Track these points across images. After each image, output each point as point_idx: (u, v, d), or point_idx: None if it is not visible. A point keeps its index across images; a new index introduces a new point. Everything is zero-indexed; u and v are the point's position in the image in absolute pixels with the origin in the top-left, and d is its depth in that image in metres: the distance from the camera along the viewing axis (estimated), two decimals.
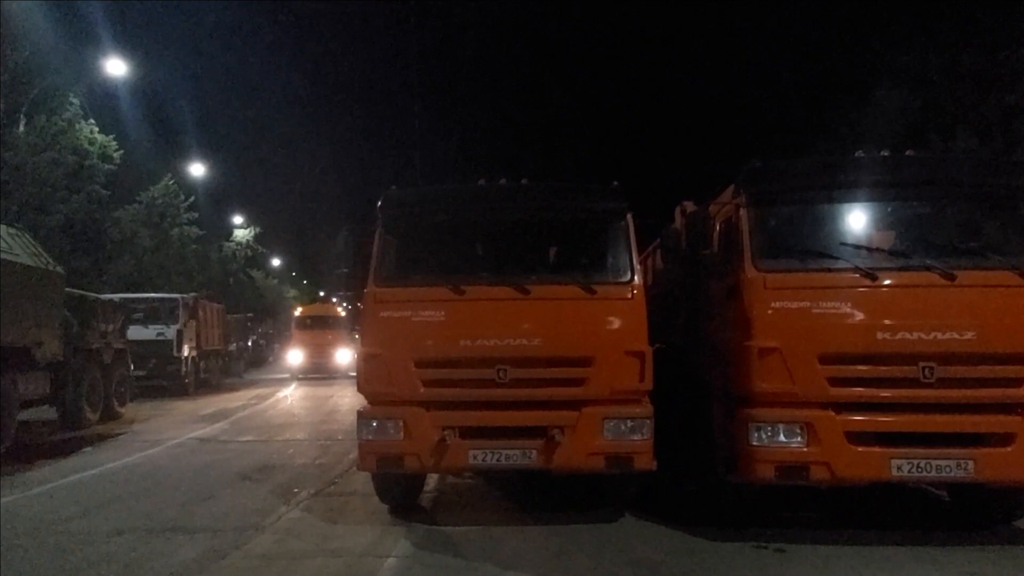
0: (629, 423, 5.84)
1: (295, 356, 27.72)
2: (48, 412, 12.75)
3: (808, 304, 5.59)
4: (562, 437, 5.77)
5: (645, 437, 5.85)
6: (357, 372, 6.34)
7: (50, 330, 11.41)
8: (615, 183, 6.51)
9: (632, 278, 6.08)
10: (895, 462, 5.42)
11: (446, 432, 5.86)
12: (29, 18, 19.58)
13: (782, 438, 5.52)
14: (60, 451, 10.64)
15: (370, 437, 6.03)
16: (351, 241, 6.62)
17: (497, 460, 5.89)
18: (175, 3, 40.25)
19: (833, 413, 5.50)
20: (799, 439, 5.50)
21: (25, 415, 11.23)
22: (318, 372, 26.45)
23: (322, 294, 50.09)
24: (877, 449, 5.46)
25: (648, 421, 5.87)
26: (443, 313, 6.03)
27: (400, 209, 6.64)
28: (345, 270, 6.76)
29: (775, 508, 6.46)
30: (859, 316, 5.57)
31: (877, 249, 5.86)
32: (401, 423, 5.93)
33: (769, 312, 5.64)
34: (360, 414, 6.13)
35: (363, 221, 6.89)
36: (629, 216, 6.31)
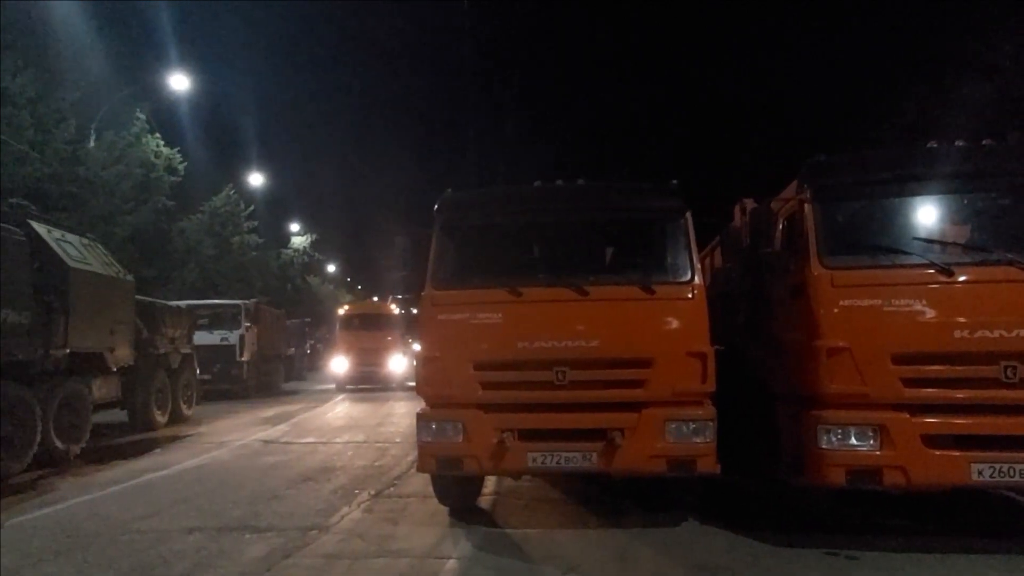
0: (691, 425, 5.72)
1: (340, 363, 23.47)
2: (119, 415, 13.26)
3: (879, 302, 5.38)
4: (622, 439, 5.68)
5: (708, 440, 5.72)
6: (416, 375, 6.38)
7: (122, 336, 11.88)
8: (673, 181, 6.41)
9: (693, 277, 5.96)
10: (975, 466, 5.16)
11: (505, 434, 5.83)
12: (99, 36, 20.46)
13: (853, 441, 5.33)
14: (131, 452, 11.05)
15: (429, 439, 6.05)
16: (408, 244, 6.68)
17: (556, 463, 5.83)
18: (233, 15, 41.55)
19: (908, 415, 5.28)
20: (871, 442, 5.29)
21: (98, 418, 11.67)
22: (367, 382, 22.98)
23: (376, 299, 50.77)
24: (956, 453, 5.21)
25: (711, 423, 5.73)
26: (501, 315, 6.01)
27: (457, 212, 6.65)
28: (403, 273, 6.82)
29: (842, 513, 6.24)
30: (934, 314, 5.34)
31: (952, 243, 5.62)
32: (460, 425, 5.94)
33: (837, 310, 5.46)
34: (419, 416, 6.16)
35: (419, 224, 6.95)
36: (688, 214, 6.19)
